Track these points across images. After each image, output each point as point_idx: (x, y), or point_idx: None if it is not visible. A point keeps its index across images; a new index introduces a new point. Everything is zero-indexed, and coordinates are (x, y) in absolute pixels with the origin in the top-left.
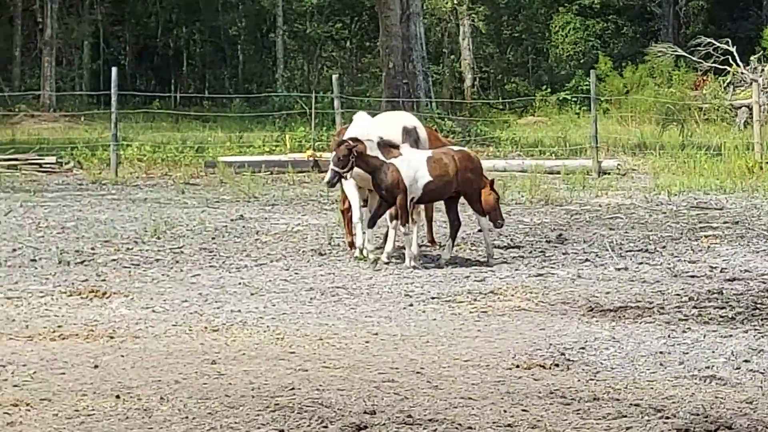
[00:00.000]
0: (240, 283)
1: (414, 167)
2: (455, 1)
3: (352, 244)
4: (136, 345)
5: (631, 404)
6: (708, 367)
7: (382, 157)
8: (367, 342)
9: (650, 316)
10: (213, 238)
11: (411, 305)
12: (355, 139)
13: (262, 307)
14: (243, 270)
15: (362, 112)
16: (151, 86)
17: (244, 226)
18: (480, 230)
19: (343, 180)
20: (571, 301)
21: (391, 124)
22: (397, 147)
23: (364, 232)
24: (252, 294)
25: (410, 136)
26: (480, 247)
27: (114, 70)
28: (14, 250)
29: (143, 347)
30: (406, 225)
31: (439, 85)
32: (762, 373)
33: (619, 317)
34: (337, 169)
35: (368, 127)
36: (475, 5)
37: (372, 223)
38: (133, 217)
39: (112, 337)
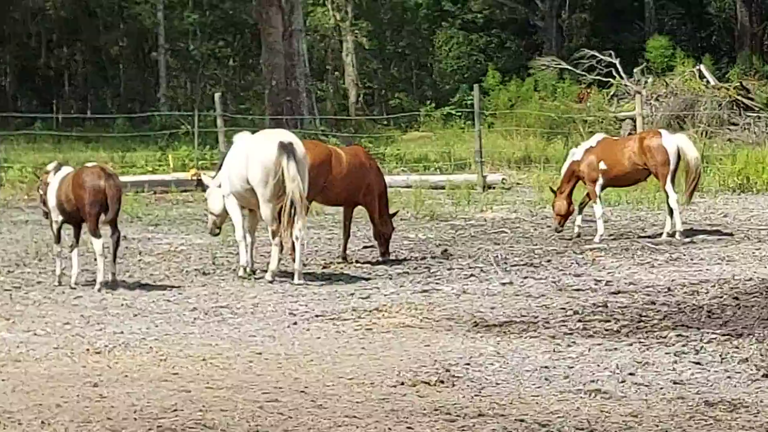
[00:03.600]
0: (122, 305)
1: (52, 188)
2: (338, 18)
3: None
4: (17, 369)
5: (516, 419)
6: (593, 381)
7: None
8: (250, 362)
9: (535, 330)
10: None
11: (295, 324)
12: (45, 171)
13: (145, 329)
14: (125, 291)
15: (243, 132)
16: (32, 107)
17: (126, 247)
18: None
19: (225, 199)
20: (456, 317)
21: (268, 141)
22: (49, 171)
23: (247, 251)
24: (135, 315)
25: (286, 150)
26: (364, 265)
27: None
28: None
29: (24, 371)
30: (54, 244)
31: (324, 101)
32: (647, 386)
33: (504, 332)
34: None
35: (246, 147)
36: (359, 21)
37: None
38: (14, 240)
39: None
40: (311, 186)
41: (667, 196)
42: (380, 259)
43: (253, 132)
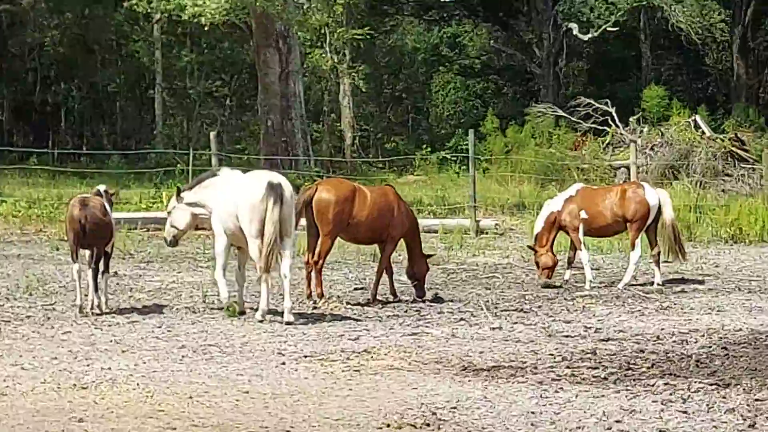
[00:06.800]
0: (111, 341)
1: None
2: (335, 60)
3: (321, 295)
4: (3, 402)
5: None
6: (579, 428)
7: None
8: (237, 400)
9: (523, 375)
10: (85, 296)
11: (283, 363)
12: None
13: (133, 365)
14: (115, 327)
15: (231, 169)
16: (28, 142)
17: (117, 283)
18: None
19: (216, 238)
20: (444, 361)
21: (257, 180)
22: None
23: (227, 287)
24: (123, 351)
25: (275, 191)
26: (354, 306)
27: None
28: None
29: (10, 404)
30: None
31: (319, 143)
32: None
33: (492, 377)
34: None
35: (236, 185)
36: (356, 64)
37: None
38: (5, 274)
39: None
40: (334, 223)
41: (632, 249)
42: (416, 299)
43: (244, 171)
